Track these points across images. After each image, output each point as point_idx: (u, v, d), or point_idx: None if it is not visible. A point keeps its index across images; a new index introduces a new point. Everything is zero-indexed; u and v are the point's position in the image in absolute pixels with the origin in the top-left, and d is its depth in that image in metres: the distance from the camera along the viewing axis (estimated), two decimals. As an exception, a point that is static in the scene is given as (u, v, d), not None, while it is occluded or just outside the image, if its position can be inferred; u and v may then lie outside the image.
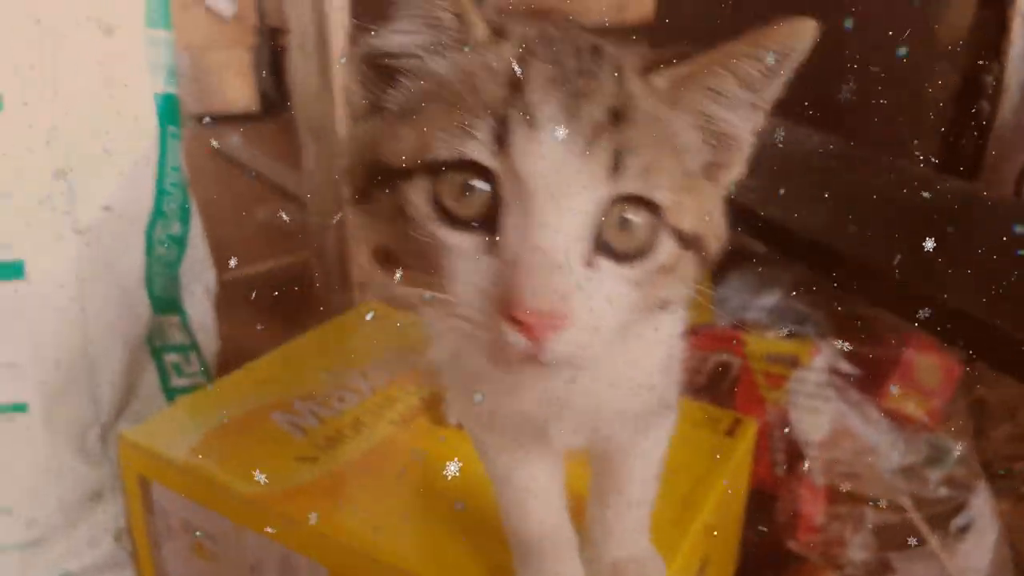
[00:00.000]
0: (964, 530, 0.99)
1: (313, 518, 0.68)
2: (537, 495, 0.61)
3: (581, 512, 0.64)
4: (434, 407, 0.86)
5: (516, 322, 0.37)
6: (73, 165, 0.95)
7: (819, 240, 1.03)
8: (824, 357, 1.02)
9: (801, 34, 0.42)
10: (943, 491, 1.00)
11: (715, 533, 0.80)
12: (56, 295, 0.95)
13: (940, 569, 0.99)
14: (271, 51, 2.95)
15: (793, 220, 1.09)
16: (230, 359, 1.21)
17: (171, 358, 1.11)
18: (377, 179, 0.42)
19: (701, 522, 0.73)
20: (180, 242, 1.10)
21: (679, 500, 0.74)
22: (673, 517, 0.72)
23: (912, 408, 1.06)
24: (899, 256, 1.00)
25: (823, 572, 0.99)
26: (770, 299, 1.09)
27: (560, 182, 0.38)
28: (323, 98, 1.32)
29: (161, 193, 1.04)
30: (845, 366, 1.02)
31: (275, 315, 1.70)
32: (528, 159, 0.38)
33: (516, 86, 0.39)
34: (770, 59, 0.43)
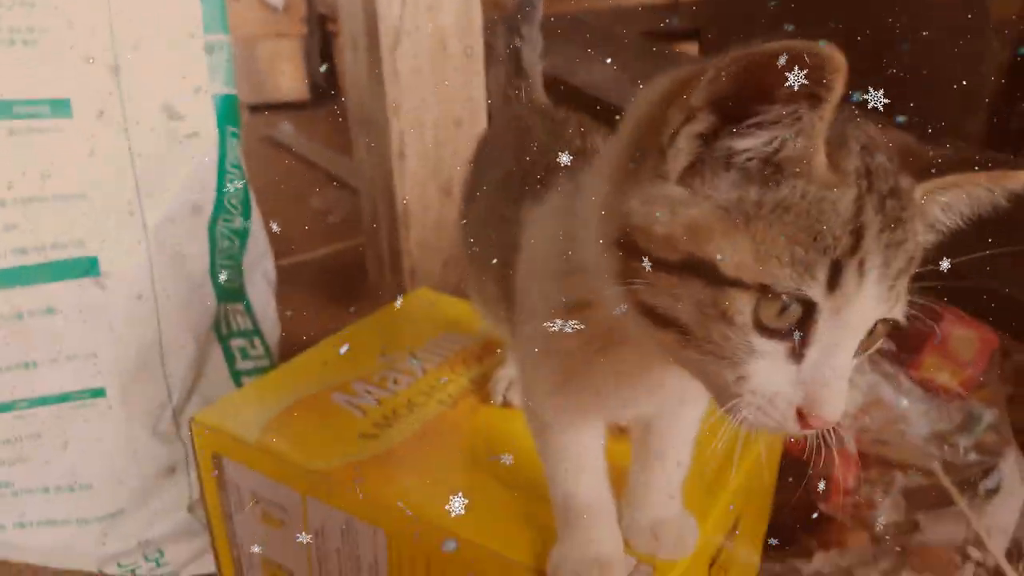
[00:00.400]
0: (992, 492, 1.02)
1: (371, 489, 0.75)
2: (587, 467, 0.67)
3: (615, 481, 0.70)
4: (481, 387, 0.93)
5: (806, 422, 0.45)
6: (140, 167, 1.02)
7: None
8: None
9: None
10: (973, 456, 1.03)
11: (746, 496, 0.85)
12: (129, 289, 1.03)
13: (967, 528, 1.02)
14: (320, 40, 3.02)
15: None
16: (291, 341, 1.28)
17: (237, 343, 1.19)
18: (699, 273, 0.44)
19: (733, 487, 0.78)
20: (242, 235, 1.17)
21: (714, 468, 0.79)
22: (707, 484, 0.78)
23: (946, 378, 1.09)
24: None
25: (853, 533, 1.04)
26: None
27: (865, 318, 0.44)
28: (373, 90, 1.37)
29: (223, 190, 1.11)
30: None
31: (331, 299, 1.77)
32: (851, 301, 0.43)
33: (857, 235, 0.43)
34: (998, 194, 0.49)
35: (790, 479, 1.04)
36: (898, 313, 0.46)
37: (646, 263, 0.45)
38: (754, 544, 0.97)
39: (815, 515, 1.04)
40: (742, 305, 0.43)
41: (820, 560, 1.05)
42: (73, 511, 1.07)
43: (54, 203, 0.98)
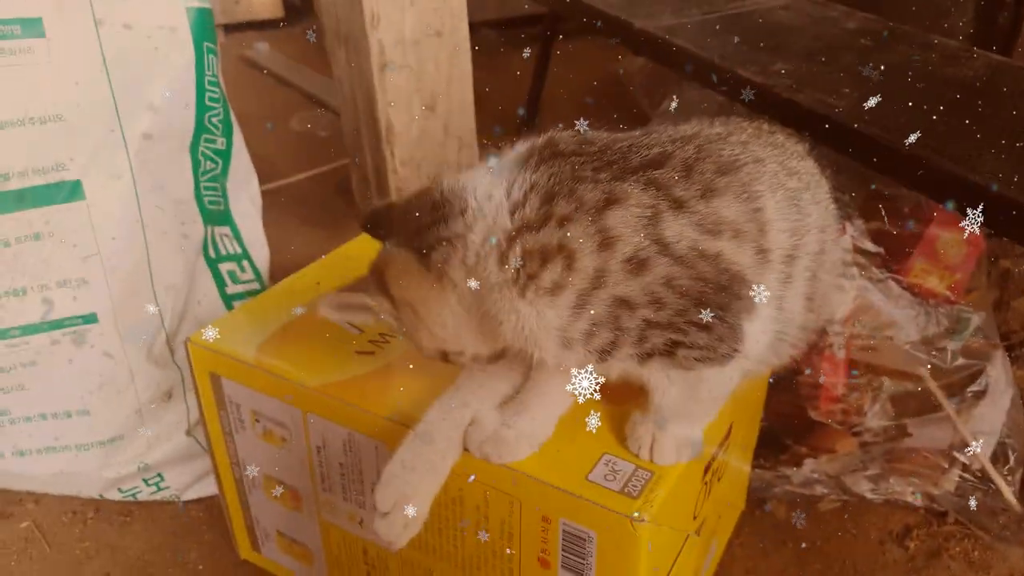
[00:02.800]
0: (979, 396, 1.04)
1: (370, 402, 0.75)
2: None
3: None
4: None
5: None
6: (117, 87, 0.99)
7: (850, 123, 1.04)
8: (849, 237, 1.05)
9: None
10: (960, 360, 1.05)
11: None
12: (115, 213, 1.01)
13: (954, 432, 1.05)
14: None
15: (824, 104, 1.10)
16: (279, 264, 1.28)
17: (226, 267, 1.18)
18: None
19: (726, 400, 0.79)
20: (225, 155, 1.15)
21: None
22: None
23: (934, 282, 1.10)
24: (926, 135, 1.01)
25: (843, 438, 1.06)
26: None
27: None
28: (350, 2, 1.33)
29: (202, 109, 1.08)
30: (870, 245, 1.06)
31: (317, 222, 1.75)
32: None
33: None
34: None
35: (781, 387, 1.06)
36: None
37: None
38: (744, 452, 0.99)
39: (805, 423, 1.06)
40: None
41: (809, 466, 1.07)
42: (72, 437, 1.08)
43: (31, 126, 0.96)
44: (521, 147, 0.65)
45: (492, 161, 0.64)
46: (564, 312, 0.59)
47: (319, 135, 2.34)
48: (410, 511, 0.68)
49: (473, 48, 1.46)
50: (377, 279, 0.68)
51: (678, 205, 0.59)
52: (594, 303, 0.58)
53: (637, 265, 0.57)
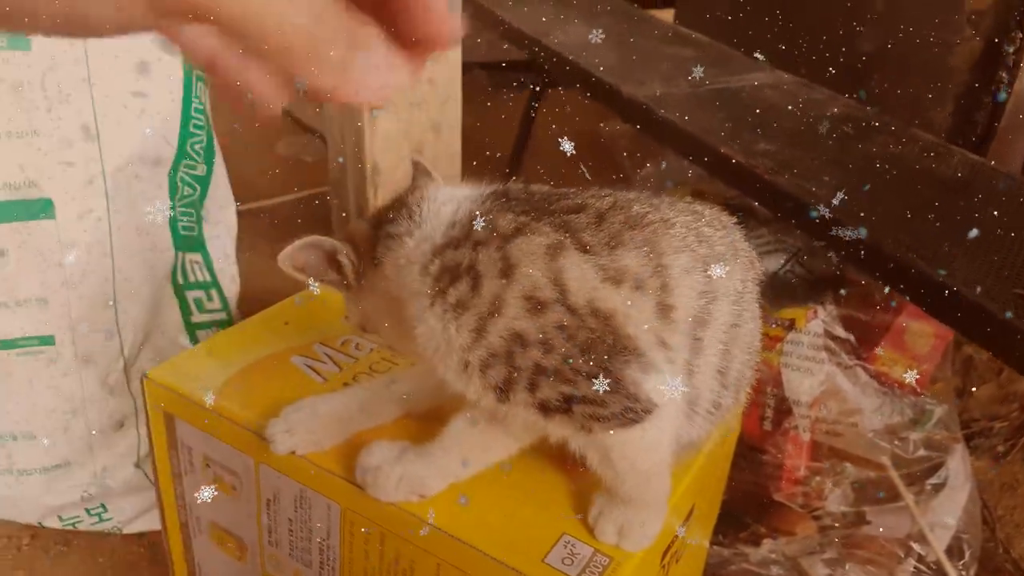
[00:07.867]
0: (938, 488, 1.04)
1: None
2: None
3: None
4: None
5: None
6: (100, 106, 0.98)
7: (823, 207, 1.05)
8: (820, 321, 1.06)
9: None
10: (922, 451, 1.05)
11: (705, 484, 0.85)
12: (84, 234, 0.99)
13: (912, 523, 1.04)
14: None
15: (802, 189, 1.11)
16: (251, 293, 1.25)
17: (193, 294, 1.15)
18: None
19: (690, 478, 0.78)
20: (204, 182, 1.14)
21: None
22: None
23: (900, 372, 1.10)
24: (896, 228, 1.02)
25: (802, 521, 1.05)
26: (773, 264, 1.12)
27: None
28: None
29: (186, 136, 1.07)
30: (840, 331, 1.06)
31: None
32: None
33: None
34: None
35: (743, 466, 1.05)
36: None
37: None
38: (705, 529, 0.98)
39: (766, 502, 1.05)
40: None
41: (768, 547, 1.06)
42: (15, 461, 1.05)
43: (5, 140, 0.94)
44: (487, 188, 0.69)
45: (458, 190, 0.69)
46: (464, 333, 0.61)
47: (305, 160, 2.33)
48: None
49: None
50: (350, 235, 0.71)
51: (584, 248, 0.61)
52: (491, 331, 0.60)
53: (535, 304, 0.60)
